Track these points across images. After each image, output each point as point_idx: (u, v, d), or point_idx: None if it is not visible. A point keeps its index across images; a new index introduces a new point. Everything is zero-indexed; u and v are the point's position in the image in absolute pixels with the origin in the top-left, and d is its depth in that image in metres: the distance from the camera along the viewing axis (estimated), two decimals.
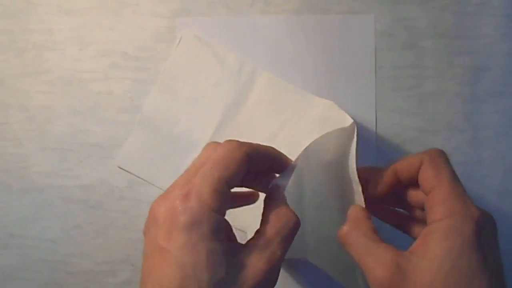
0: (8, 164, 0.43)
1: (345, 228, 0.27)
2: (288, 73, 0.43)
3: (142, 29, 0.43)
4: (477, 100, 0.42)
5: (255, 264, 0.23)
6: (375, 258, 0.24)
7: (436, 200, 0.25)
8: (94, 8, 0.43)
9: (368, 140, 0.43)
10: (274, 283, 0.24)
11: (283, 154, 0.29)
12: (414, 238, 0.26)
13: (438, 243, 0.24)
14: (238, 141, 0.25)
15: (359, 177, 0.28)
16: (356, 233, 0.26)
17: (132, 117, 0.43)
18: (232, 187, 0.25)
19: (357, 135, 0.30)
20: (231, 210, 0.26)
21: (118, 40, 0.43)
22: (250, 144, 0.26)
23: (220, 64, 0.42)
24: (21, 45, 0.43)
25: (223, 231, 0.24)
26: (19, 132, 0.43)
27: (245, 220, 0.36)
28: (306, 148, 0.29)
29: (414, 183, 0.28)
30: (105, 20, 0.43)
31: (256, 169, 0.27)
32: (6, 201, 0.43)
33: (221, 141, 0.26)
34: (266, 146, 0.28)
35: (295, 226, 0.25)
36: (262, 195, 0.29)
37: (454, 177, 0.26)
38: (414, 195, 0.29)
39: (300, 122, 0.40)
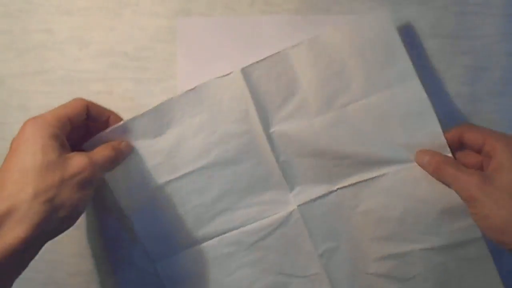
0: None
1: (437, 158, 0.37)
2: None
3: (142, 29, 0.43)
4: (477, 100, 0.42)
5: (79, 159, 0.34)
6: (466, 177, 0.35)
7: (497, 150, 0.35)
8: (94, 8, 0.43)
9: None
10: (94, 179, 0.35)
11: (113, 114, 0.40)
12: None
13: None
14: (82, 98, 0.38)
15: None
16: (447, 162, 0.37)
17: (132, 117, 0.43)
18: (73, 121, 0.36)
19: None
20: None
21: (118, 40, 0.43)
22: (92, 102, 0.38)
23: None
24: (21, 45, 0.43)
25: (58, 140, 0.34)
26: None
27: None
28: None
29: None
30: (105, 20, 0.43)
31: (95, 118, 0.38)
32: None
33: None
34: (105, 109, 0.39)
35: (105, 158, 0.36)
36: None
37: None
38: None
39: None
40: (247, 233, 0.42)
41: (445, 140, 0.39)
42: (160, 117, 0.40)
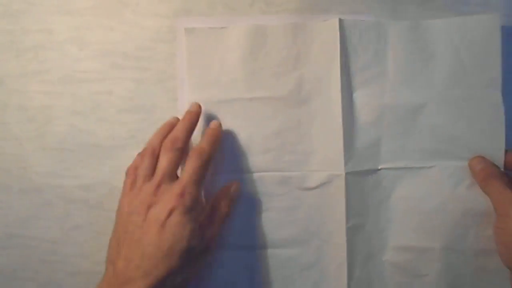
0: (8, 164, 0.43)
1: (490, 169, 0.38)
2: None
3: (142, 29, 0.43)
4: None
5: (210, 235, 0.38)
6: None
7: None
8: (94, 8, 0.43)
9: None
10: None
11: (188, 117, 0.40)
12: None
13: None
14: (202, 153, 0.38)
15: None
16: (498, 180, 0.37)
17: (132, 117, 0.43)
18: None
19: None
20: None
21: (118, 40, 0.43)
22: (208, 153, 0.38)
23: None
24: (21, 45, 0.43)
25: (202, 215, 0.37)
26: (19, 132, 0.43)
27: None
28: None
29: None
30: (105, 20, 0.43)
31: None
32: (6, 201, 0.43)
33: None
34: (184, 130, 0.39)
35: (225, 216, 0.40)
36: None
37: None
38: None
39: None
40: (289, 179, 0.42)
41: (503, 158, 0.40)
42: (257, 37, 0.41)
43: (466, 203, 0.40)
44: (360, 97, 0.41)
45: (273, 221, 0.42)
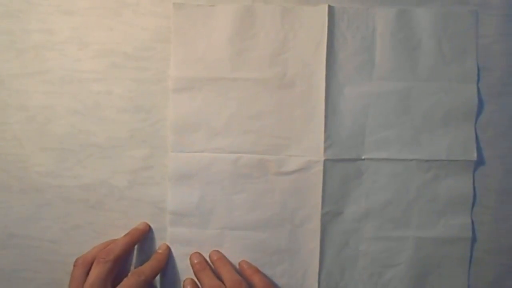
0: (8, 164, 0.43)
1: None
2: None
3: (142, 29, 0.43)
4: (477, 99, 0.42)
5: None
6: None
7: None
8: (94, 8, 0.43)
9: None
10: None
11: (132, 233, 0.42)
12: None
13: None
14: (140, 275, 0.38)
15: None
16: None
17: (132, 117, 0.43)
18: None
19: None
20: None
21: (118, 40, 0.43)
22: (146, 277, 0.39)
23: None
24: (21, 45, 0.43)
25: None
26: (19, 132, 0.43)
27: None
28: None
29: None
30: (105, 20, 0.43)
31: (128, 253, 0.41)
32: (6, 201, 0.43)
33: None
34: (122, 244, 0.40)
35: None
36: None
37: None
38: None
39: None
40: (267, 162, 0.42)
41: (475, 149, 0.41)
42: (245, 18, 0.42)
43: (440, 194, 0.42)
44: (346, 84, 0.42)
45: (247, 203, 0.42)
